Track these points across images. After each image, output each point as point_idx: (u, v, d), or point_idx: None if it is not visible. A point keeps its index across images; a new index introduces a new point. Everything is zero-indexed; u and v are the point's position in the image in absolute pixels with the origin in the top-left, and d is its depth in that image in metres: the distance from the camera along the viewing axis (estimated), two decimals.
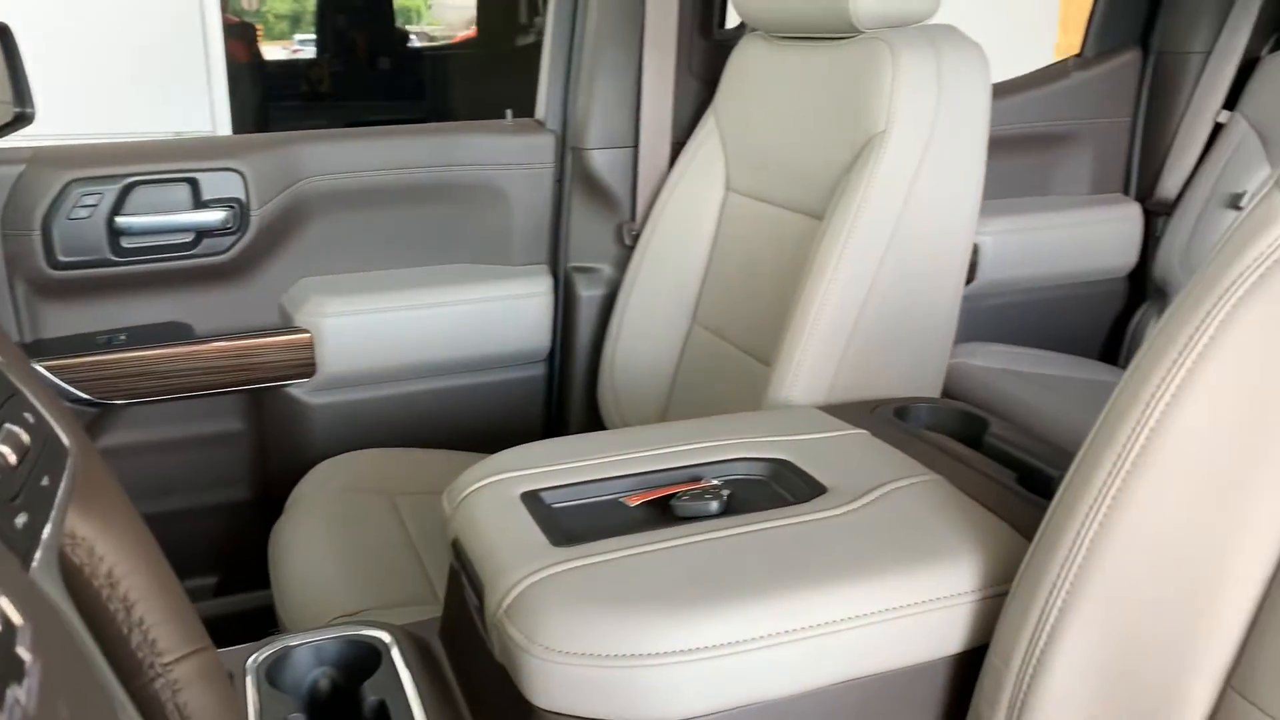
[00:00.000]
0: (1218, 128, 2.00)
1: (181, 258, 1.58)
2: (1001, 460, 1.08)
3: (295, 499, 1.52)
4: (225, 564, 1.78)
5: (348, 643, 0.97)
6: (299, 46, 6.77)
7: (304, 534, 1.39)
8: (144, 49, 3.64)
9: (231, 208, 1.57)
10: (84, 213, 1.51)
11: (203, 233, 1.57)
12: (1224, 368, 0.70)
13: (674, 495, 0.94)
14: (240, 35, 5.31)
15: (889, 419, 1.16)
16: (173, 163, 1.55)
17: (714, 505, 0.91)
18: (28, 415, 0.52)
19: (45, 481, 0.50)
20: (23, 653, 0.36)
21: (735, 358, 1.51)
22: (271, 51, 6.47)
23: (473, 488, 0.97)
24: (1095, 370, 1.94)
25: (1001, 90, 2.00)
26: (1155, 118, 2.06)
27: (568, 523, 0.91)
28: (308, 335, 1.63)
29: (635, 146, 1.73)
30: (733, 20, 1.73)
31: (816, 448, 1.04)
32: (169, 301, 1.61)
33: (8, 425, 0.50)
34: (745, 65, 1.58)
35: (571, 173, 1.75)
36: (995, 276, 2.01)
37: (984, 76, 1.31)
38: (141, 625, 0.51)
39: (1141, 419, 0.72)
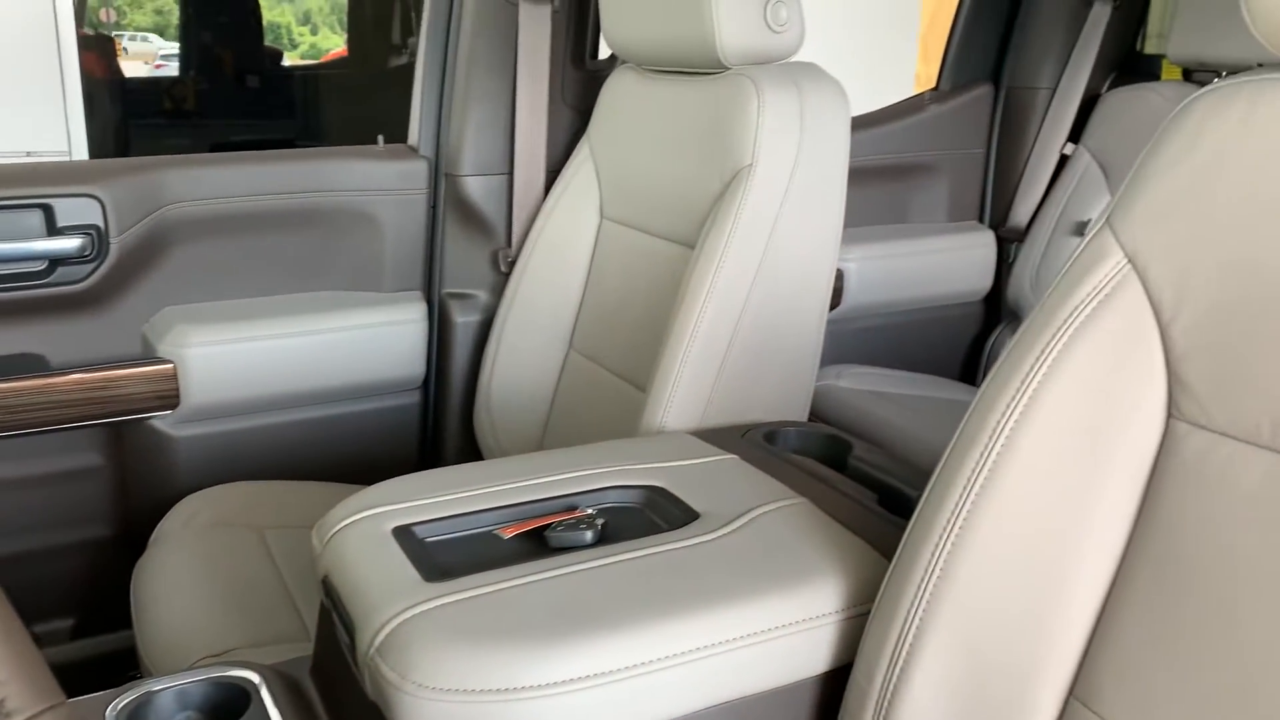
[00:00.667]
0: (1063, 159, 2.12)
1: (34, 287, 1.51)
2: (864, 482, 1.12)
3: (159, 535, 1.47)
4: (84, 606, 1.70)
5: (214, 684, 0.94)
6: (162, 62, 6.55)
7: (168, 571, 1.34)
8: None
9: (89, 235, 1.51)
10: None
11: (57, 261, 1.51)
12: (1062, 396, 0.75)
13: (549, 526, 0.95)
14: (97, 49, 5.11)
15: (759, 443, 1.19)
16: (23, 188, 1.49)
17: (588, 535, 0.92)
18: None
19: None
20: None
21: (611, 383, 1.53)
22: (132, 67, 6.24)
23: (343, 523, 0.96)
24: (954, 390, 2.03)
25: (864, 123, 2.09)
26: (1006, 150, 2.17)
27: (441, 557, 0.91)
28: (171, 366, 1.58)
29: (510, 173, 1.74)
30: (606, 50, 1.76)
31: (689, 474, 1.07)
32: (21, 332, 1.54)
33: None
34: (617, 96, 1.61)
35: (445, 199, 1.75)
36: (860, 301, 2.08)
37: (844, 112, 1.36)
38: None
39: (988, 445, 0.76)
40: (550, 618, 0.80)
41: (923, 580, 0.78)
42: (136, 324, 1.62)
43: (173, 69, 6.01)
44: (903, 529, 0.82)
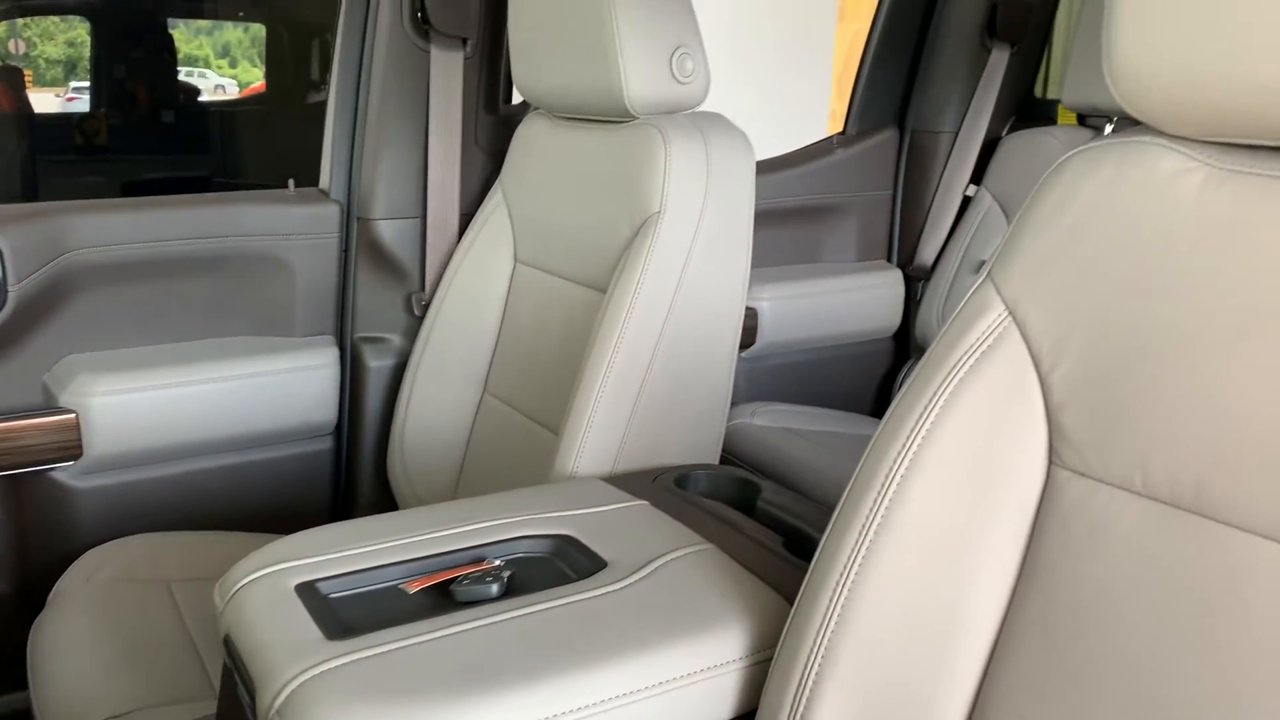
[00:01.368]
0: (966, 200, 2.19)
1: None
2: (772, 524, 1.14)
3: (59, 592, 1.43)
4: None
5: None
6: (74, 94, 6.40)
7: (68, 629, 1.30)
8: None
9: None
10: None
11: None
12: (950, 445, 0.78)
13: (455, 579, 0.95)
14: (4, 81, 4.98)
15: (669, 488, 1.20)
16: None
17: (494, 588, 0.92)
18: None
19: None
20: None
21: (526, 427, 1.53)
22: (42, 100, 6.08)
23: (245, 580, 0.94)
24: (866, 425, 2.07)
25: (775, 165, 2.13)
26: (912, 191, 2.23)
27: (345, 614, 0.90)
28: (73, 416, 1.54)
29: (423, 217, 1.74)
30: (519, 94, 1.77)
31: (599, 521, 1.07)
32: None
33: None
34: (530, 141, 1.62)
35: (358, 243, 1.74)
36: (774, 339, 2.12)
37: (748, 160, 1.39)
38: None
39: (880, 492, 0.79)
40: (454, 675, 0.80)
41: (822, 624, 0.80)
42: (37, 373, 1.57)
43: (85, 101, 5.88)
44: (806, 572, 0.84)
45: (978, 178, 2.19)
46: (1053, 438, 0.75)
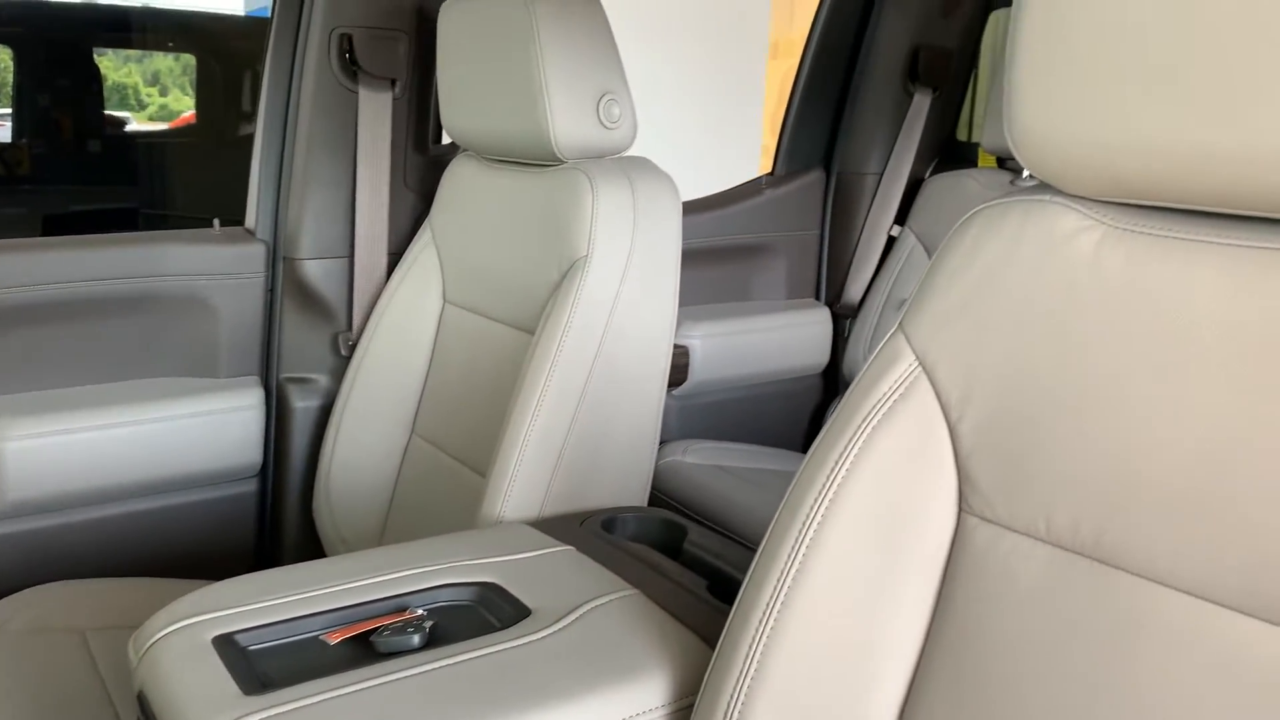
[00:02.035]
0: (891, 240, 2.24)
1: None
2: (698, 568, 1.15)
3: None
4: None
5: None
6: None
7: None
8: None
9: None
10: None
11: None
12: (865, 492, 0.79)
13: (376, 629, 0.94)
14: None
15: (596, 532, 1.21)
16: None
17: (415, 639, 0.92)
18: None
19: None
20: None
21: (454, 469, 1.53)
22: None
23: (161, 633, 0.93)
24: (796, 462, 2.10)
25: (706, 205, 2.16)
26: (839, 231, 2.28)
27: (263, 667, 0.89)
28: None
29: (350, 256, 1.73)
30: (449, 136, 1.78)
31: (524, 568, 1.07)
32: None
33: None
34: (459, 182, 1.62)
35: (284, 282, 1.72)
36: (705, 376, 2.14)
37: (675, 204, 1.41)
38: None
39: (798, 539, 0.80)
40: None
41: (742, 670, 0.81)
42: None
43: (5, 130, 5.75)
44: (728, 617, 0.85)
45: (902, 218, 2.24)
46: (962, 485, 0.77)
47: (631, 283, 1.37)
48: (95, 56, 5.66)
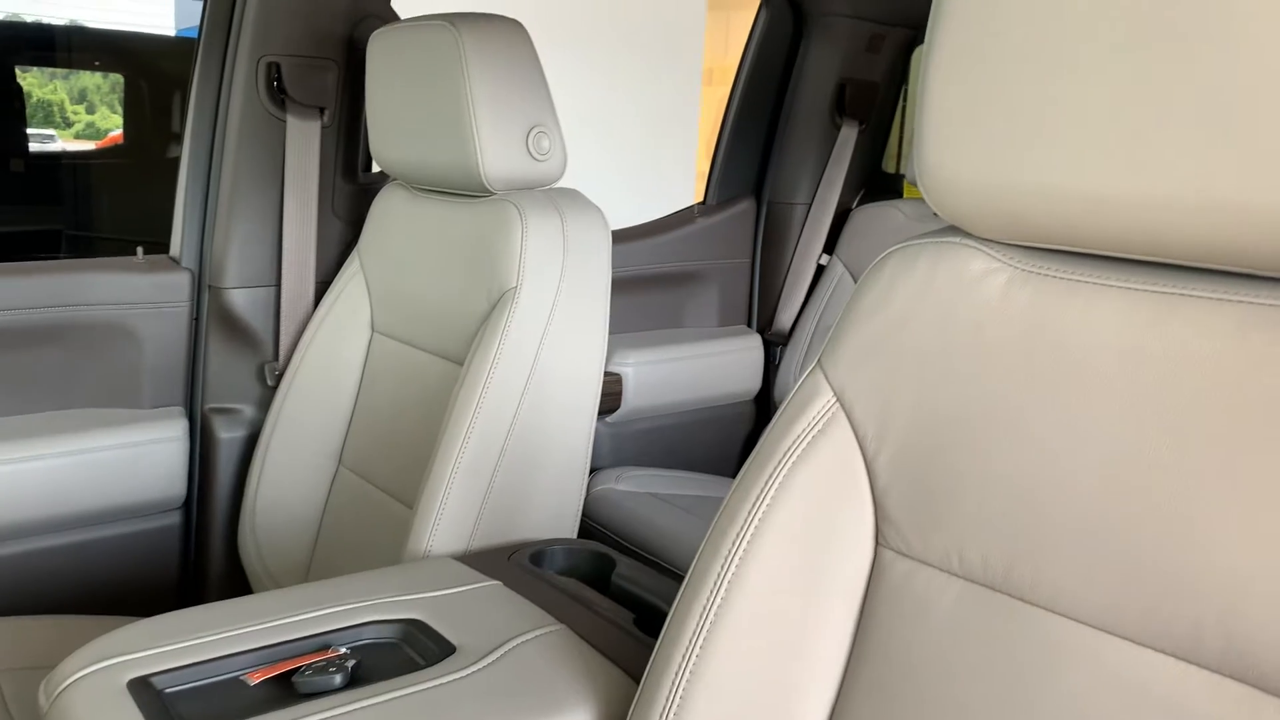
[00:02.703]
0: (820, 269, 2.27)
1: None
2: (626, 600, 1.15)
3: None
4: None
5: None
6: None
7: None
8: None
9: None
10: None
11: None
12: (785, 526, 0.80)
13: (298, 669, 0.93)
14: None
15: (524, 565, 1.20)
16: None
17: (337, 678, 0.91)
18: None
19: None
20: None
21: (381, 501, 1.51)
22: None
23: (74, 677, 0.90)
24: (728, 488, 2.11)
25: (640, 233, 2.17)
26: (769, 260, 2.31)
27: (181, 710, 0.87)
28: None
29: (278, 285, 1.71)
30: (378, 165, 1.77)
31: (449, 604, 1.07)
32: None
33: None
34: (388, 211, 1.62)
35: (209, 311, 1.70)
36: (638, 403, 2.14)
37: (604, 234, 1.42)
38: None
39: (720, 574, 0.81)
40: None
41: (665, 705, 0.81)
42: None
43: None
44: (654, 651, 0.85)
45: (830, 247, 2.28)
46: (878, 520, 0.79)
47: (561, 314, 1.37)
48: (19, 74, 5.53)
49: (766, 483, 0.81)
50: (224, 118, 1.67)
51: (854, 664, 0.79)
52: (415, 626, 1.02)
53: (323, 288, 1.71)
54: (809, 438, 0.81)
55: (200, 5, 1.66)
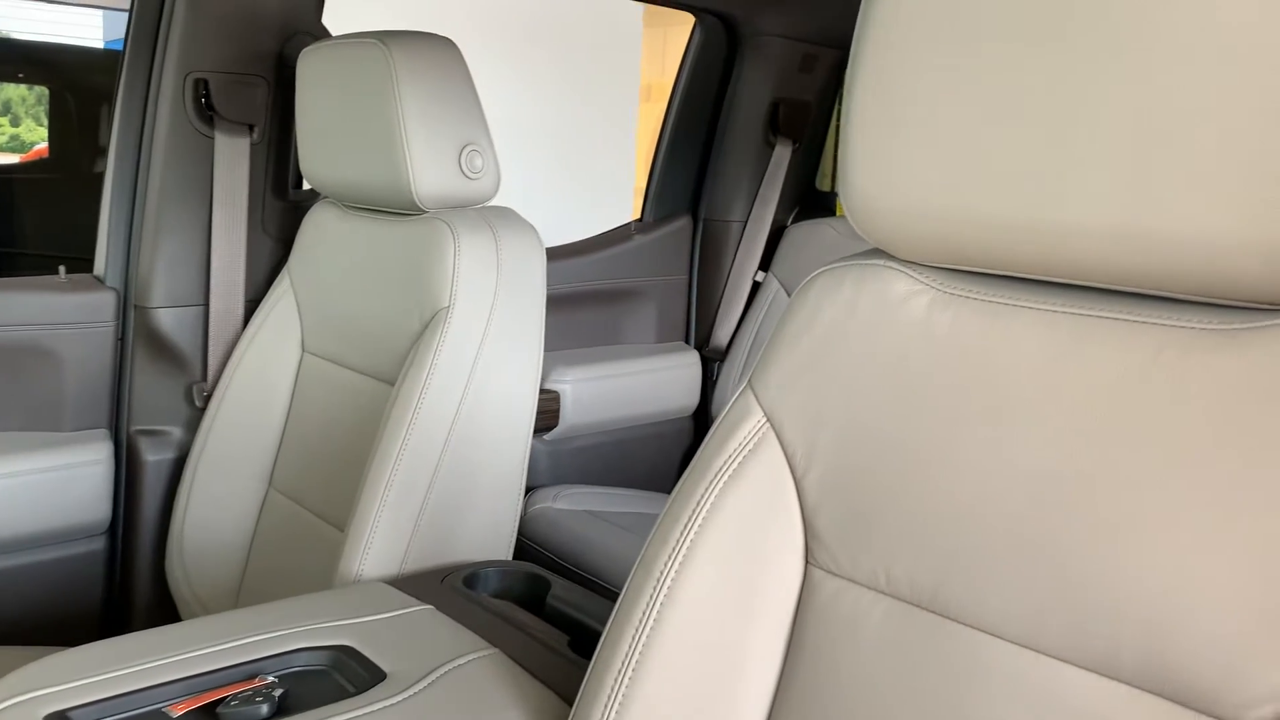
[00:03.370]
0: (756, 285, 2.29)
1: None
2: (561, 622, 1.14)
3: None
4: None
5: None
6: None
7: None
8: None
9: None
10: None
11: None
12: (717, 547, 0.81)
13: (223, 699, 0.90)
14: None
15: (457, 588, 1.19)
16: None
17: (264, 709, 0.89)
18: None
19: None
20: None
21: (313, 524, 1.49)
22: None
23: None
24: (666, 504, 2.11)
25: (578, 250, 2.17)
26: (706, 277, 2.32)
27: None
28: None
29: (206, 305, 1.68)
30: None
31: (380, 629, 1.05)
32: None
33: None
34: (318, 229, 1.60)
35: (135, 332, 1.66)
36: (576, 420, 2.14)
37: (538, 253, 1.42)
38: None
39: (652, 597, 0.80)
40: None
41: None
42: None
43: None
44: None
45: (766, 264, 2.29)
46: (808, 539, 0.79)
47: (495, 333, 1.36)
48: None
49: (699, 503, 0.81)
50: (150, 134, 1.63)
51: (785, 682, 0.79)
52: (345, 653, 1.00)
53: (252, 307, 1.68)
54: (740, 458, 0.81)
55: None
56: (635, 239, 2.23)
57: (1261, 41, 0.56)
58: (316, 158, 1.52)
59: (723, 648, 0.80)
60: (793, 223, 2.32)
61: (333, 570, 1.34)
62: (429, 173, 1.36)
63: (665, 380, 2.28)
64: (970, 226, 0.70)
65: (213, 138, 1.64)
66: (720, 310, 2.30)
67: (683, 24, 2.42)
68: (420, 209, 1.39)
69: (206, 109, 1.63)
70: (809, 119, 2.28)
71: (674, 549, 0.81)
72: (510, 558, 1.42)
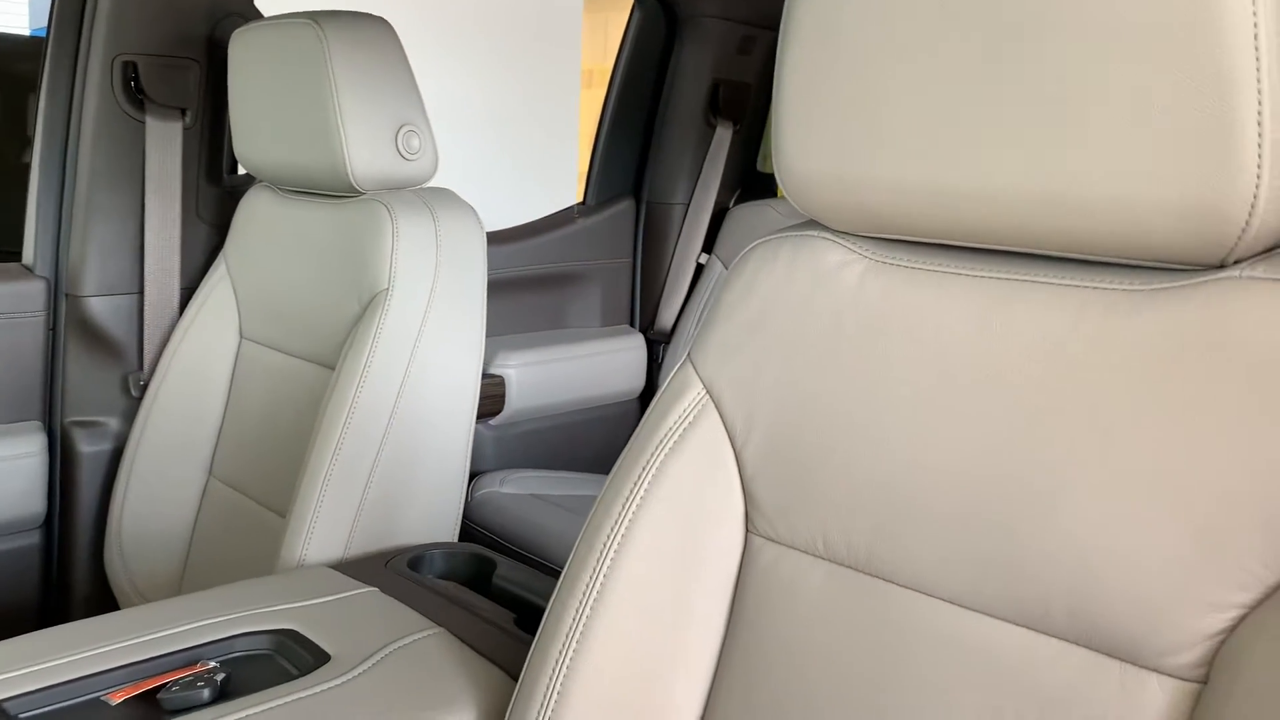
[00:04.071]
0: (700, 268, 2.30)
1: None
2: (507, 601, 1.14)
3: None
4: None
5: None
6: None
7: None
8: None
9: None
10: None
11: None
12: (659, 518, 0.81)
13: (163, 685, 0.89)
14: None
15: (402, 571, 1.19)
16: None
17: (205, 693, 0.88)
18: None
19: None
20: None
21: (254, 512, 1.47)
22: None
23: None
24: None
25: (520, 234, 2.16)
26: (650, 259, 2.32)
27: None
28: None
29: (140, 293, 1.65)
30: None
31: (324, 612, 1.04)
32: None
33: None
34: (254, 214, 1.57)
35: (67, 321, 1.63)
36: (522, 405, 2.13)
37: (478, 234, 1.41)
38: None
39: (595, 568, 0.81)
40: None
41: (544, 701, 0.81)
42: None
43: None
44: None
45: (709, 246, 2.30)
46: (748, 507, 0.80)
47: (435, 315, 1.36)
48: None
49: (640, 475, 0.82)
50: (78, 119, 1.60)
51: (727, 648, 0.80)
52: (288, 636, 0.99)
53: (188, 294, 1.66)
54: (681, 430, 0.82)
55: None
56: (578, 222, 2.23)
57: (1170, 5, 0.58)
58: (250, 141, 1.50)
59: (666, 617, 0.81)
60: (735, 204, 2.33)
61: (275, 558, 1.33)
62: (365, 154, 1.34)
63: (610, 364, 2.28)
64: (898, 196, 0.71)
65: (143, 122, 1.61)
66: (664, 293, 2.31)
67: (623, 9, 2.42)
68: (357, 191, 1.38)
69: (136, 93, 1.59)
70: (749, 100, 2.29)
71: (616, 521, 0.82)
72: (456, 541, 1.41)
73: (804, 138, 0.74)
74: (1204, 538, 0.59)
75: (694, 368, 0.84)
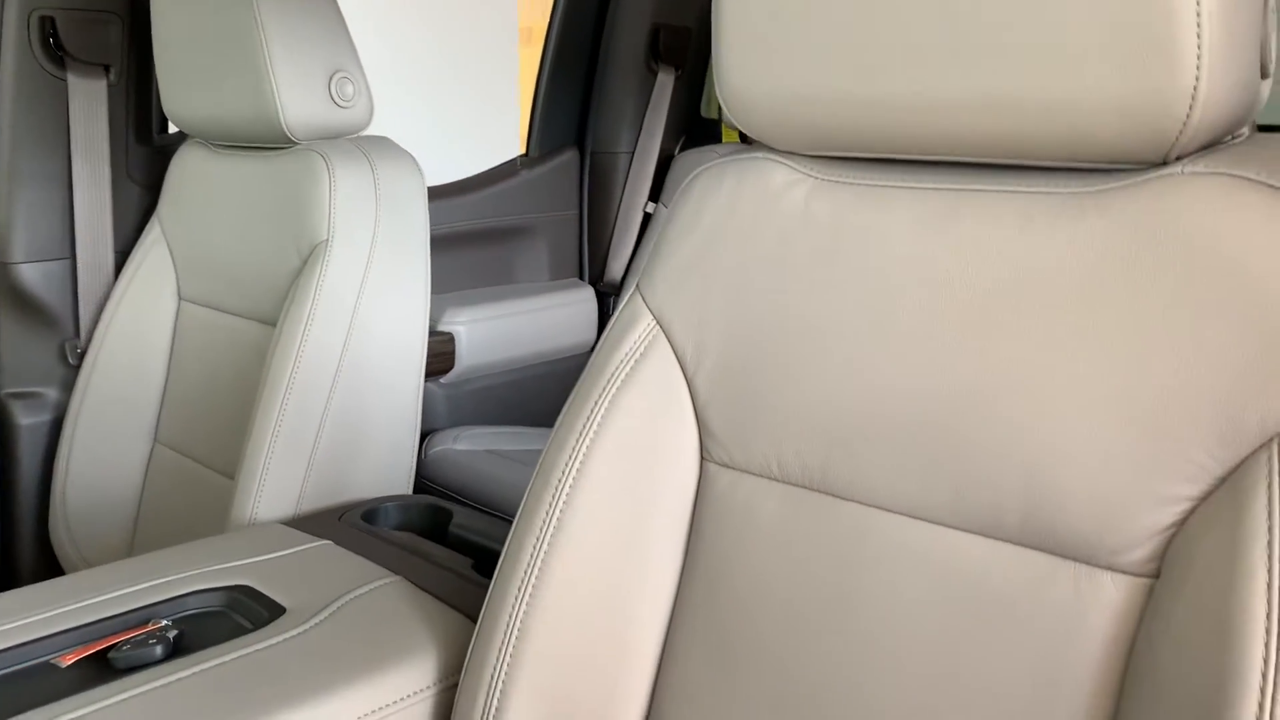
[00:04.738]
0: (648, 217, 2.28)
1: None
2: (464, 548, 1.13)
3: None
4: None
5: None
6: None
7: None
8: None
9: None
10: None
11: None
12: (613, 450, 0.81)
13: (114, 646, 0.87)
14: None
15: (356, 524, 1.17)
16: None
17: (158, 650, 0.86)
18: None
19: None
20: None
21: (202, 475, 1.44)
22: None
23: None
24: None
25: (463, 188, 2.13)
26: (597, 210, 2.30)
27: None
28: None
29: (72, 257, 1.60)
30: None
31: (277, 567, 1.03)
32: None
33: None
34: (186, 172, 1.53)
35: None
36: (473, 362, 2.11)
37: (418, 183, 1.38)
38: None
39: (551, 504, 0.80)
40: None
41: (504, 639, 0.80)
42: None
43: None
44: None
45: (656, 194, 2.28)
46: (702, 435, 0.80)
47: (377, 267, 1.33)
48: None
49: (593, 409, 0.81)
50: None
51: (687, 576, 0.80)
52: (242, 592, 0.98)
53: (122, 258, 1.61)
54: (632, 362, 0.81)
55: None
56: (521, 174, 2.20)
57: None
58: (178, 95, 1.45)
59: (623, 549, 0.81)
60: (680, 151, 2.31)
61: (225, 520, 1.31)
62: (297, 101, 1.31)
63: (561, 317, 2.26)
64: (840, 109, 0.71)
65: (65, 80, 1.55)
66: (612, 244, 2.29)
67: None
68: (291, 140, 1.34)
69: (55, 49, 1.54)
70: (689, 44, 2.26)
71: (570, 455, 0.81)
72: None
73: (744, 57, 0.73)
74: (1151, 432, 0.59)
75: (643, 299, 0.83)
